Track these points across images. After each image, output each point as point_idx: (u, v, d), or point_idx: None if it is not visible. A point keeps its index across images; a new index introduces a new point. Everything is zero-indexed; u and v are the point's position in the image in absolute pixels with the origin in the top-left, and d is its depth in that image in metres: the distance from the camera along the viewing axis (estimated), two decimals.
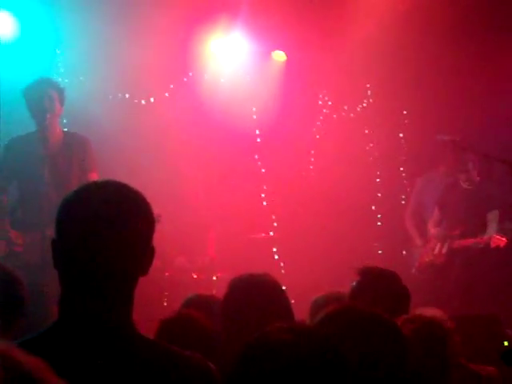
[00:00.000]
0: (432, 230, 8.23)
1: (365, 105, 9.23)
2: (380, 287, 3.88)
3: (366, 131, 9.06)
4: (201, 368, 2.12)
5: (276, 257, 8.62)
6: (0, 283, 3.01)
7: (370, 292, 3.83)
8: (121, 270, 2.06)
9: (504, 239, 7.65)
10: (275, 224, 8.79)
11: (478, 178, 8.05)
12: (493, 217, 7.96)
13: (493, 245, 7.62)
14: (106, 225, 2.03)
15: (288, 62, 8.85)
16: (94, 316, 2.04)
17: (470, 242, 7.81)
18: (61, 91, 6.70)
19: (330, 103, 9.28)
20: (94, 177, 6.46)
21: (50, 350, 2.00)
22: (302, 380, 1.69)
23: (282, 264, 8.49)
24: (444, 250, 7.99)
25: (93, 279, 2.04)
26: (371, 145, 8.92)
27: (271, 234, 8.71)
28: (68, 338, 2.03)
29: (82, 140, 6.80)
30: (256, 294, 3.48)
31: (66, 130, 6.97)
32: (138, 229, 2.08)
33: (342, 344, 1.90)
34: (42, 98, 6.52)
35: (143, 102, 8.61)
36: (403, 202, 9.00)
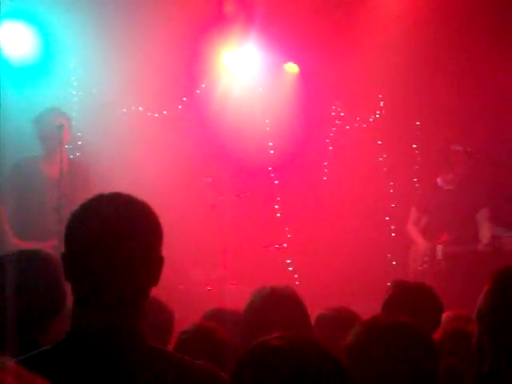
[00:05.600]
0: (417, 234, 8.06)
1: (377, 115, 9.22)
2: (414, 299, 3.87)
3: (379, 142, 9.05)
4: (213, 377, 2.13)
5: (290, 268, 8.61)
6: (42, 284, 3.01)
7: (404, 304, 3.81)
8: (131, 281, 2.08)
9: None
10: (289, 236, 8.78)
11: (458, 179, 7.92)
12: (482, 216, 7.84)
13: (504, 247, 7.51)
14: (114, 237, 2.06)
15: (300, 74, 8.86)
16: (106, 328, 2.06)
17: (471, 246, 7.65)
18: (70, 120, 7.01)
19: (342, 114, 9.27)
20: None
21: (63, 362, 2.03)
22: (292, 381, 1.74)
23: (295, 276, 8.48)
24: (439, 256, 7.87)
25: (104, 291, 2.06)
26: (384, 155, 8.90)
27: (285, 245, 8.69)
28: (81, 350, 2.05)
29: (85, 169, 7.14)
30: (275, 307, 3.46)
31: (70, 157, 7.22)
32: (147, 240, 2.11)
33: (384, 359, 1.92)
34: (55, 127, 6.69)
35: (156, 114, 8.63)
36: None
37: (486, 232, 7.76)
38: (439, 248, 7.82)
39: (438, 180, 8.00)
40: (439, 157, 8.25)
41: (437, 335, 3.46)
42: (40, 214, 6.70)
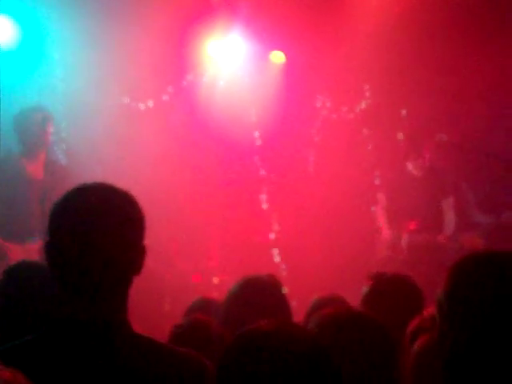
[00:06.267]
0: (384, 220, 8.05)
1: (363, 106, 9.23)
2: (393, 290, 3.87)
3: (365, 132, 9.05)
4: (196, 364, 2.16)
5: (277, 258, 8.61)
6: (35, 295, 3.01)
7: (383, 295, 3.82)
8: (113, 269, 2.10)
9: (480, 241, 7.60)
10: (276, 226, 8.78)
11: (427, 164, 7.92)
12: (448, 205, 7.85)
13: (467, 248, 7.45)
14: (96, 225, 2.08)
15: (286, 64, 8.85)
16: (88, 316, 2.07)
17: (437, 239, 7.66)
18: (51, 119, 6.82)
19: (328, 104, 9.27)
20: None
21: (45, 351, 2.05)
22: (280, 367, 1.75)
23: (283, 266, 8.48)
24: (404, 245, 7.84)
25: (86, 280, 2.08)
26: (370, 146, 8.91)
27: (271, 236, 8.70)
28: (63, 339, 2.06)
29: (61, 170, 6.91)
30: (253, 295, 3.48)
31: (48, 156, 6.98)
32: (129, 229, 2.13)
33: (330, 346, 1.96)
34: (36, 126, 6.62)
35: (142, 106, 8.61)
36: None
37: (449, 221, 7.78)
38: (404, 237, 7.81)
39: (408, 165, 7.98)
40: (408, 143, 8.27)
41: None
42: (23, 215, 6.53)
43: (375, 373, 2.38)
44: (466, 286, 2.02)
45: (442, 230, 7.76)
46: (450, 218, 7.81)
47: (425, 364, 2.76)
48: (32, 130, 6.64)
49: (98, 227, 2.08)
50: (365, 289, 3.95)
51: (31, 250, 6.33)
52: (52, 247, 2.12)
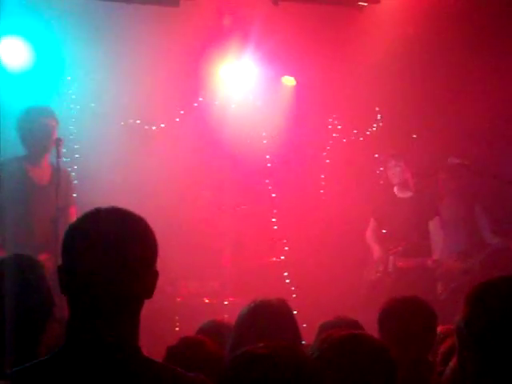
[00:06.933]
0: (374, 246, 8.08)
1: (374, 128, 9.26)
2: (406, 311, 3.90)
3: (376, 155, 9.07)
4: None
5: (287, 281, 8.61)
6: (31, 288, 3.04)
7: (396, 318, 3.85)
8: (125, 294, 2.12)
9: (460, 265, 7.65)
10: (286, 248, 8.79)
11: (412, 186, 7.95)
12: (435, 225, 7.86)
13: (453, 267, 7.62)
14: (109, 251, 2.10)
15: (297, 87, 8.89)
16: (100, 340, 2.09)
17: (415, 262, 7.67)
18: (57, 121, 6.63)
19: (339, 127, 9.31)
20: (74, 211, 6.52)
21: (58, 373, 2.07)
22: None
23: (293, 288, 8.48)
24: (390, 269, 7.84)
25: (98, 304, 2.10)
26: (381, 168, 8.92)
27: (282, 258, 8.70)
28: (75, 362, 2.08)
29: (66, 174, 6.75)
30: (263, 319, 3.49)
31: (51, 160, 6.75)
32: (142, 255, 2.16)
33: (335, 370, 2.01)
34: (43, 128, 6.48)
35: (154, 127, 8.66)
36: None
37: (437, 242, 7.81)
38: (391, 259, 7.83)
39: (395, 189, 8.03)
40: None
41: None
42: (26, 223, 6.35)
43: None
44: (484, 312, 2.10)
45: (429, 251, 7.78)
46: (437, 239, 7.84)
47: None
48: (39, 134, 6.46)
49: (111, 253, 2.10)
50: (380, 313, 3.98)
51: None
52: (65, 271, 2.14)
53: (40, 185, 6.55)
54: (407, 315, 3.87)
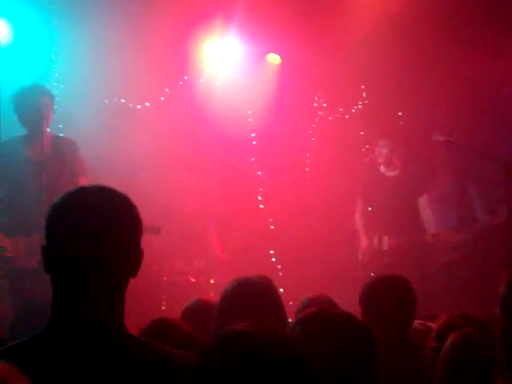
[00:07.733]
0: (363, 225, 8.09)
1: (360, 106, 9.24)
2: (381, 290, 3.93)
3: (362, 133, 9.07)
4: (191, 365, 2.16)
5: (273, 259, 8.62)
6: None
7: (373, 297, 3.88)
8: (110, 272, 2.11)
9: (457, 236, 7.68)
10: (272, 227, 8.79)
11: (398, 163, 7.96)
12: (423, 204, 7.88)
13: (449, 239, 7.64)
14: (94, 229, 2.08)
15: (283, 65, 8.86)
16: (86, 318, 2.09)
17: (409, 239, 7.68)
18: (53, 98, 6.71)
19: (325, 105, 9.28)
20: (84, 181, 6.43)
21: (43, 353, 2.06)
22: (251, 367, 1.81)
23: (279, 266, 8.50)
24: (385, 247, 7.85)
25: (83, 282, 2.09)
26: (367, 146, 8.92)
27: (268, 236, 8.71)
28: (60, 341, 2.07)
29: (70, 144, 6.79)
30: (246, 296, 3.50)
31: (53, 133, 6.87)
32: (127, 233, 2.14)
33: (311, 345, 2.01)
34: (39, 105, 6.50)
35: (138, 106, 8.62)
36: None
37: (428, 219, 7.83)
38: (385, 239, 7.83)
39: (381, 167, 8.03)
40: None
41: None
42: (23, 203, 6.40)
43: (354, 370, 2.41)
44: None
45: (419, 229, 7.78)
46: (428, 217, 7.85)
47: (461, 358, 2.85)
48: (34, 112, 6.49)
49: (96, 231, 2.08)
50: (361, 290, 4.01)
51: (33, 243, 6.26)
52: (49, 250, 2.13)
53: (42, 160, 6.54)
54: (382, 294, 3.91)
